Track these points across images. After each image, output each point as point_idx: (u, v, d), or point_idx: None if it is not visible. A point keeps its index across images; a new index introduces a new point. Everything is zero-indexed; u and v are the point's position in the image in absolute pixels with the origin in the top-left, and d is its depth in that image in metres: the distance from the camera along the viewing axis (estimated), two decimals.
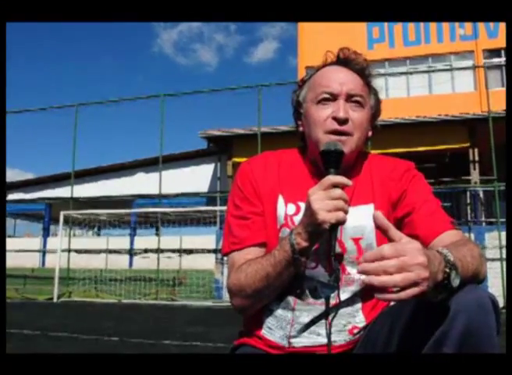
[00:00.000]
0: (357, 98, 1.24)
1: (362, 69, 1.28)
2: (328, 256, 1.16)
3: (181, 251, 14.48)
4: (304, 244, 1.11)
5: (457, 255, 0.99)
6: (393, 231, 0.94)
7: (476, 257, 1.06)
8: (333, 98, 1.24)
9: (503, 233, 9.52)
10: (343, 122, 1.21)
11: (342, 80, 1.25)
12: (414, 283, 0.87)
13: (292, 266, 1.14)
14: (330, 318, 1.19)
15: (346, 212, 1.06)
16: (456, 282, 0.94)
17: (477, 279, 1.05)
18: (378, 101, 1.33)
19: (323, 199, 1.05)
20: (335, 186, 1.06)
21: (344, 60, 1.28)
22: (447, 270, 0.93)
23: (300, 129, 1.33)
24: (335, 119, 1.21)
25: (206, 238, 14.30)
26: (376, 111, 1.32)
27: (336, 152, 1.13)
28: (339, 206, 1.05)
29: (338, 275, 1.18)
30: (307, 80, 1.33)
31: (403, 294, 0.87)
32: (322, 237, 1.12)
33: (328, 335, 1.17)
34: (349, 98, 1.24)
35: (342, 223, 1.07)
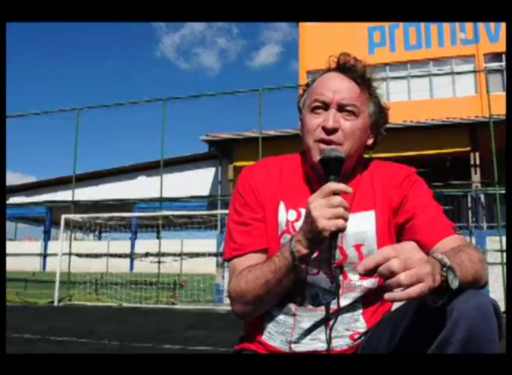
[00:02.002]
0: (350, 108, 1.23)
1: (360, 77, 1.26)
2: (329, 263, 1.17)
3: (182, 255, 14.46)
4: (304, 251, 1.11)
5: (454, 259, 0.99)
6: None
7: (475, 261, 1.06)
8: (325, 106, 1.24)
9: (505, 238, 9.50)
10: (330, 132, 1.21)
11: (335, 88, 1.24)
12: (419, 280, 0.88)
13: (292, 273, 1.14)
14: (330, 323, 1.19)
15: (346, 219, 1.06)
16: (455, 283, 0.94)
17: (478, 284, 1.06)
18: (380, 108, 1.31)
19: (323, 207, 1.05)
20: (335, 193, 1.07)
21: (343, 67, 1.27)
22: (444, 273, 0.93)
23: (301, 134, 1.33)
24: (323, 128, 1.22)
25: (207, 242, 14.27)
26: (379, 118, 1.30)
27: (335, 159, 1.14)
28: (339, 214, 1.05)
29: (338, 282, 1.18)
30: (310, 85, 1.33)
31: (411, 291, 0.87)
32: (323, 245, 1.12)
33: (328, 340, 1.17)
34: (341, 107, 1.23)
35: (342, 230, 1.07)
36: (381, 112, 1.31)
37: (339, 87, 1.24)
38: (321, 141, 1.21)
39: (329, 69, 1.30)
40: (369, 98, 1.28)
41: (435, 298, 0.93)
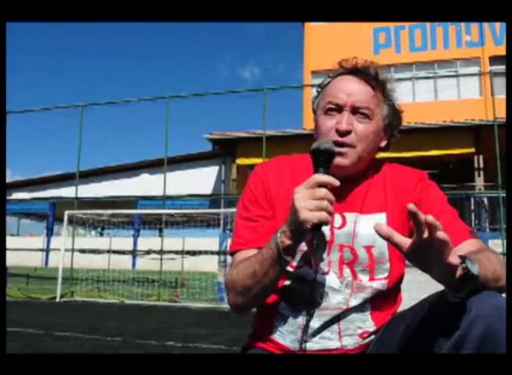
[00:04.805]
0: (363, 110, 1.23)
1: (374, 79, 1.26)
2: (341, 261, 1.18)
3: (184, 253, 14.49)
4: (288, 242, 1.09)
5: (472, 257, 1.00)
6: (397, 237, 0.95)
7: (493, 260, 1.06)
8: (339, 109, 1.24)
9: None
10: (343, 134, 1.21)
11: (349, 91, 1.24)
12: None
13: (278, 265, 1.12)
14: (339, 323, 1.21)
15: (329, 212, 1.04)
16: (475, 268, 0.95)
17: (498, 283, 1.05)
18: (394, 111, 1.30)
19: (307, 198, 1.04)
20: (321, 185, 1.05)
21: (356, 69, 1.27)
22: (462, 262, 0.95)
23: (314, 136, 1.33)
24: (337, 130, 1.22)
25: (209, 240, 14.30)
26: (392, 120, 1.30)
27: (325, 152, 1.11)
28: (323, 206, 1.03)
29: (317, 273, 1.20)
30: (323, 87, 1.32)
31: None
32: (307, 237, 1.11)
33: (301, 340, 1.20)
34: (354, 109, 1.23)
35: (325, 223, 1.04)
36: (395, 115, 1.30)
37: (353, 90, 1.24)
38: (335, 143, 1.20)
39: (342, 72, 1.29)
40: (383, 100, 1.28)
41: (458, 290, 0.95)
